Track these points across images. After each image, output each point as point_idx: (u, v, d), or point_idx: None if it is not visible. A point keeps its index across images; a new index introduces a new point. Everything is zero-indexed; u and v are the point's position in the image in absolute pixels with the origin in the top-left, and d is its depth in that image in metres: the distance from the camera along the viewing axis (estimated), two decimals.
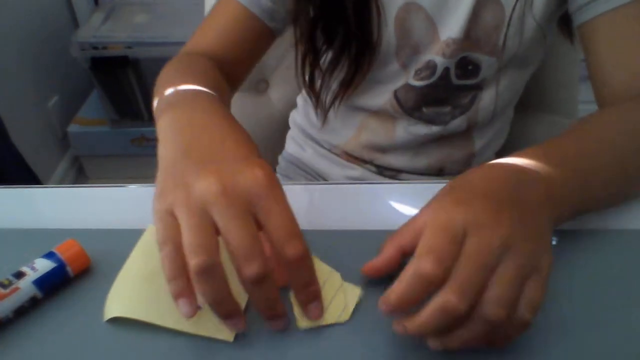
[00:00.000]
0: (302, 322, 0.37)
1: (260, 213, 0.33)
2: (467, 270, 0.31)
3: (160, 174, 0.36)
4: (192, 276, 0.32)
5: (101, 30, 1.55)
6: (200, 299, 0.38)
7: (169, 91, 0.44)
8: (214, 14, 0.60)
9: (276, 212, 0.33)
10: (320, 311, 0.36)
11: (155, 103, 0.46)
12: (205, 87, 0.45)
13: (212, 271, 0.31)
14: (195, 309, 0.33)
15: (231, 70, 0.58)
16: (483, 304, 0.31)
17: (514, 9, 0.53)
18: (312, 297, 0.36)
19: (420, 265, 0.31)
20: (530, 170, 0.38)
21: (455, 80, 0.59)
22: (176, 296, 0.33)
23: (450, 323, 0.31)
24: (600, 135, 0.44)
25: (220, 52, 0.58)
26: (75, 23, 1.78)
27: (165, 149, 0.37)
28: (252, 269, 0.31)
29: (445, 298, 0.30)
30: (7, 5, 1.47)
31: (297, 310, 0.37)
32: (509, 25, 0.54)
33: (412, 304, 0.32)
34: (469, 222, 0.32)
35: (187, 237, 0.32)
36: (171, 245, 0.32)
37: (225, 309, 0.34)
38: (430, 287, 0.31)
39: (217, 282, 0.32)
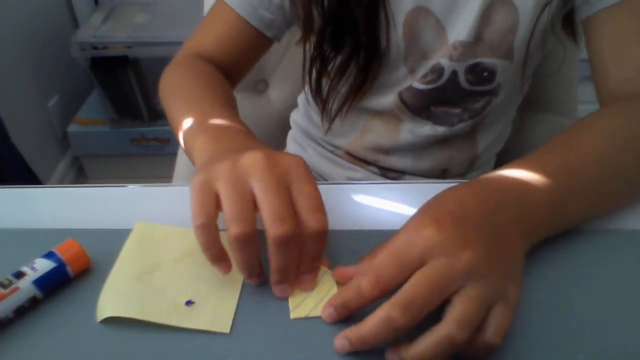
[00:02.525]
0: (294, 313, 0.38)
1: (295, 189, 0.36)
2: (415, 288, 0.32)
3: (202, 162, 0.40)
4: (230, 243, 0.35)
5: (101, 30, 1.55)
6: (191, 295, 0.39)
7: (193, 122, 0.47)
8: (212, 17, 0.60)
9: (308, 189, 0.36)
10: (312, 284, 0.39)
11: (178, 123, 0.49)
12: (220, 103, 0.49)
13: (247, 240, 0.35)
14: (230, 267, 0.38)
15: (230, 72, 0.60)
16: (444, 323, 0.32)
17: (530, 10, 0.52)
18: (312, 269, 0.39)
19: (359, 281, 0.35)
20: (510, 191, 0.39)
21: (467, 86, 0.58)
22: (212, 262, 0.37)
23: (391, 335, 0.32)
24: (590, 149, 0.44)
25: (218, 57, 0.59)
26: (75, 23, 1.78)
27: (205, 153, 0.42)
28: (279, 230, 0.34)
29: (388, 312, 0.32)
30: (7, 5, 1.47)
31: (290, 301, 0.38)
32: (524, 27, 0.53)
33: (347, 311, 0.36)
34: (433, 246, 0.33)
35: (227, 208, 0.35)
36: (204, 218, 0.35)
37: (251, 273, 0.38)
38: (362, 300, 0.34)
39: (250, 250, 0.36)
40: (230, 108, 0.49)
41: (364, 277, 0.34)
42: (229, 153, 0.38)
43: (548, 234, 0.41)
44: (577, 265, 0.40)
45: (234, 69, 0.60)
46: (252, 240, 0.35)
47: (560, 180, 0.40)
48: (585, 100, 0.80)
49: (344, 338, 0.34)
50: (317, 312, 0.37)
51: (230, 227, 0.34)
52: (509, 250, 0.36)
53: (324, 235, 0.36)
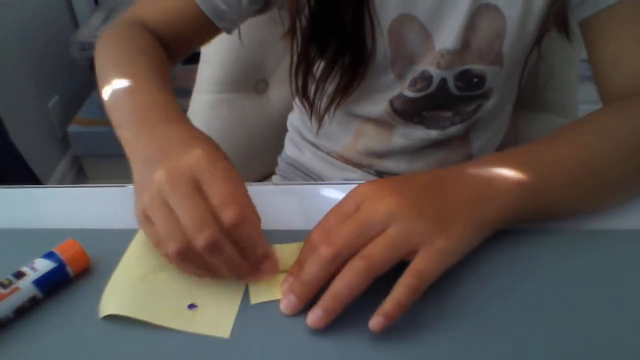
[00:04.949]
0: (254, 299, 0.38)
1: (205, 188, 0.36)
2: (342, 227, 0.37)
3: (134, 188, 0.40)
4: (173, 259, 0.36)
5: (101, 30, 1.55)
6: (194, 298, 0.39)
7: (124, 98, 0.48)
8: None
9: (213, 183, 0.36)
10: (275, 268, 0.40)
11: (106, 93, 0.49)
12: (154, 78, 0.49)
13: (188, 252, 0.35)
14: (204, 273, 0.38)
15: (170, 49, 0.58)
16: (355, 256, 0.35)
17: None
18: (262, 256, 0.39)
19: (312, 232, 0.39)
20: (471, 170, 0.41)
21: (457, 92, 0.58)
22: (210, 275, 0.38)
23: (324, 271, 0.36)
24: (582, 141, 0.44)
25: (163, 32, 0.57)
26: (75, 23, 1.79)
27: (133, 167, 0.41)
28: (202, 239, 0.34)
29: (319, 249, 0.36)
30: (7, 5, 1.47)
31: (250, 288, 0.39)
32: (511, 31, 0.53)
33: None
34: (363, 198, 0.38)
35: (160, 230, 0.36)
36: (177, 243, 0.35)
37: (237, 269, 0.37)
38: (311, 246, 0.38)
39: (197, 257, 0.36)
40: (163, 80, 0.49)
41: (314, 229, 0.39)
42: (146, 171, 0.38)
43: (520, 215, 0.41)
44: (576, 265, 0.40)
45: (175, 47, 0.59)
46: (190, 248, 0.35)
47: (540, 166, 0.42)
48: (585, 101, 0.80)
49: (318, 308, 0.36)
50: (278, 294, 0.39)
51: (164, 247, 0.36)
52: (450, 214, 0.38)
53: (243, 224, 0.36)
